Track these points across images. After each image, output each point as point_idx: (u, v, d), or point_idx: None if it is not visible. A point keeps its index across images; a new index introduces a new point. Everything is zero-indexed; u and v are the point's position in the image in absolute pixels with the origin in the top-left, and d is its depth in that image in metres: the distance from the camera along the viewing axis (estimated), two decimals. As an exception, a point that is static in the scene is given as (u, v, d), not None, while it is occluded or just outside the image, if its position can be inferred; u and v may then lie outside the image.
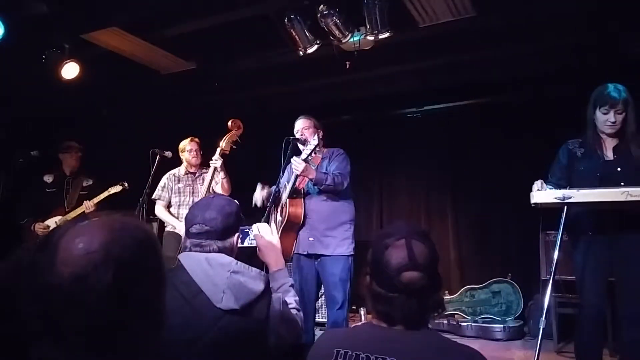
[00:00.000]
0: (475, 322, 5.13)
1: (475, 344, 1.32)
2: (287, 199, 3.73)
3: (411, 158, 6.28)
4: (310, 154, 3.57)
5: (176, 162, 4.75)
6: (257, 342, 1.73)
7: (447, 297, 5.40)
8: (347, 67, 4.61)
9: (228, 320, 1.67)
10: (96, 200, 4.62)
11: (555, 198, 2.86)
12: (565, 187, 2.94)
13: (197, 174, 4.75)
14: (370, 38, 4.17)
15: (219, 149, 4.29)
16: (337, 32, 4.16)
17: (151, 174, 4.34)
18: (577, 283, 3.10)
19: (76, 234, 0.85)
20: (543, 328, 2.79)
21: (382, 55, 4.71)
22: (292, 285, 2.06)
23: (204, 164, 4.67)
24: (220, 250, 1.83)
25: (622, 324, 3.00)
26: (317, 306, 4.41)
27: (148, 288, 0.86)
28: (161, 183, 4.70)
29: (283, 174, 3.84)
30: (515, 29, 4.46)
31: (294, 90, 6.00)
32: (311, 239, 3.72)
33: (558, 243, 2.91)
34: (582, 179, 2.97)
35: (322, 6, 3.99)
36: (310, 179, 3.65)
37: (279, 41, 4.52)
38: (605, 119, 2.97)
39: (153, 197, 4.66)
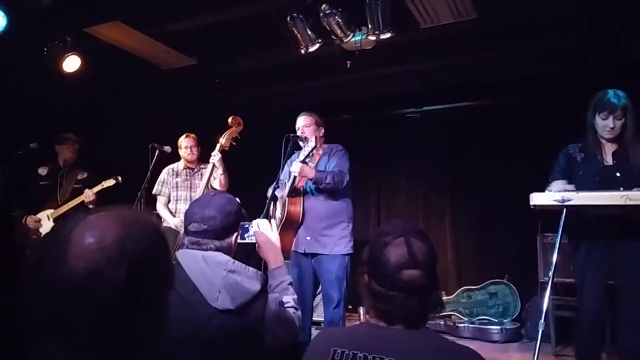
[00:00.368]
0: (472, 323, 5.13)
1: (471, 346, 1.31)
2: (287, 198, 3.74)
3: (410, 158, 6.28)
4: (307, 155, 3.57)
5: (175, 157, 4.76)
6: (252, 341, 1.73)
7: (444, 298, 5.39)
8: (348, 66, 4.61)
9: (223, 320, 1.66)
10: (96, 189, 4.52)
11: (555, 200, 2.86)
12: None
13: (195, 169, 4.75)
14: (372, 38, 4.16)
15: (218, 145, 4.29)
16: (339, 31, 4.15)
17: (150, 168, 4.34)
18: (577, 286, 3.11)
19: (87, 228, 0.83)
20: (542, 331, 2.79)
21: (383, 56, 4.71)
22: (290, 283, 2.06)
23: (203, 159, 4.66)
24: (217, 249, 1.82)
25: (621, 329, 3.01)
26: (314, 305, 4.41)
27: (158, 284, 0.86)
28: (160, 178, 4.70)
29: (282, 170, 3.84)
30: (516, 30, 4.45)
31: (295, 90, 5.99)
32: (309, 237, 3.72)
33: (557, 245, 2.91)
34: (582, 184, 2.96)
35: (324, 5, 3.99)
36: (310, 179, 3.65)
37: (280, 40, 4.51)
38: (604, 125, 2.99)
39: (153, 192, 4.66)
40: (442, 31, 4.39)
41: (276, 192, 3.81)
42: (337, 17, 4.02)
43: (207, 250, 1.81)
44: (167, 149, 4.52)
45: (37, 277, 0.80)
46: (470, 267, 5.83)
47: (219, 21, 4.41)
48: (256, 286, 1.75)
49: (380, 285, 1.39)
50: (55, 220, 4.55)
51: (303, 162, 3.58)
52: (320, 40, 4.35)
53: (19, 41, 4.16)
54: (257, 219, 2.13)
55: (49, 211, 4.60)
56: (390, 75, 5.52)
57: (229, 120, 4.35)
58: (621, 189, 2.80)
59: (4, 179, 4.46)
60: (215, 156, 4.28)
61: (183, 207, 4.52)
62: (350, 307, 5.43)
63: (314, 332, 4.30)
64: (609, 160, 3.05)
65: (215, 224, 1.82)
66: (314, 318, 4.20)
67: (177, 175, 4.73)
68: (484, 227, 5.83)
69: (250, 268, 1.79)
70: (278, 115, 5.43)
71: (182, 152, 4.71)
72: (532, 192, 2.97)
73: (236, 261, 1.79)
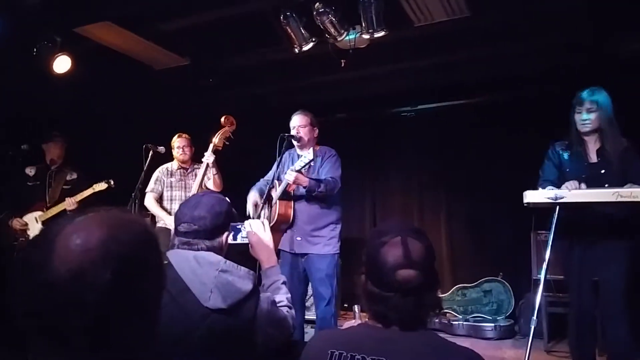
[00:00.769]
0: (467, 321, 5.14)
1: (466, 343, 1.30)
2: (278, 200, 3.77)
3: (405, 156, 6.27)
4: (303, 167, 3.59)
5: (169, 157, 4.74)
6: (244, 340, 1.72)
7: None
8: (342, 65, 4.61)
9: (215, 319, 1.66)
10: (79, 197, 4.45)
11: (548, 198, 2.90)
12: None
13: (189, 169, 4.75)
14: (366, 36, 4.16)
15: (211, 145, 4.28)
16: (332, 30, 4.15)
17: (144, 169, 4.32)
18: (566, 284, 3.18)
19: (73, 230, 0.83)
20: (534, 327, 2.82)
21: (378, 54, 4.70)
22: (284, 283, 2.06)
23: (197, 159, 4.65)
24: (208, 249, 1.82)
25: (604, 323, 3.11)
26: (309, 304, 4.43)
27: (147, 285, 0.85)
28: (154, 176, 4.68)
29: (277, 169, 3.84)
30: (510, 28, 4.47)
31: (289, 88, 5.98)
32: (299, 238, 3.76)
33: (550, 243, 2.94)
34: (568, 180, 3.01)
35: (318, 4, 3.99)
36: (304, 187, 3.66)
37: (274, 38, 4.51)
38: (579, 118, 3.11)
39: (147, 190, 4.63)
40: (435, 29, 4.41)
41: (270, 192, 3.82)
42: (330, 15, 4.01)
43: (198, 250, 1.80)
44: (161, 149, 4.51)
45: (24, 280, 0.80)
46: (464, 265, 5.84)
47: (212, 20, 4.40)
48: (248, 285, 1.75)
49: (376, 286, 1.37)
50: (44, 223, 4.46)
51: (298, 171, 3.59)
52: (314, 39, 4.34)
53: (7, 42, 4.12)
54: (250, 219, 2.13)
55: (37, 213, 4.52)
56: (384, 73, 5.52)
57: (222, 119, 4.35)
58: (606, 185, 2.87)
59: None
60: (210, 157, 4.27)
61: (177, 207, 4.50)
62: (345, 305, 5.48)
63: (308, 330, 4.32)
64: (593, 157, 3.12)
65: (205, 224, 1.82)
66: (306, 317, 4.23)
67: (171, 175, 4.72)
68: (479, 225, 5.84)
69: (242, 267, 1.79)
70: (272, 113, 5.43)
71: (174, 152, 4.70)
72: (525, 190, 3.00)
73: (228, 261, 1.78)
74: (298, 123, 3.88)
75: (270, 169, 3.95)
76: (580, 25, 4.33)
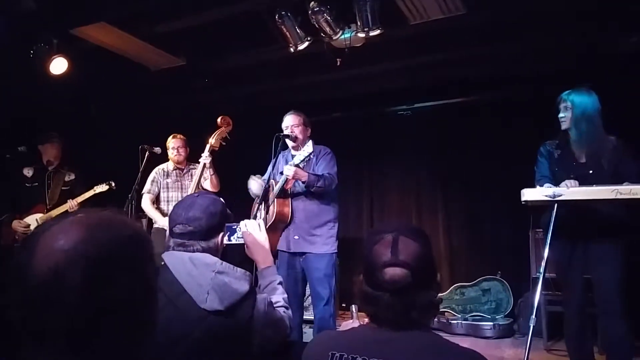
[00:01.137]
0: (465, 319, 5.13)
1: (465, 342, 1.27)
2: (275, 199, 3.76)
3: (402, 155, 6.27)
4: (303, 160, 3.60)
5: (165, 158, 4.73)
6: (241, 342, 1.71)
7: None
8: (338, 64, 4.60)
9: (212, 321, 1.65)
10: (80, 199, 4.48)
11: (546, 196, 2.90)
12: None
13: (184, 170, 4.73)
14: (361, 35, 4.15)
15: (208, 146, 4.27)
16: (327, 29, 4.14)
17: (140, 170, 4.31)
18: (560, 282, 3.26)
19: (56, 231, 0.83)
20: (533, 326, 2.81)
21: (373, 53, 4.70)
22: (280, 283, 2.04)
23: (193, 159, 4.64)
24: (204, 250, 1.80)
25: (603, 323, 3.09)
26: (307, 304, 4.42)
27: (125, 289, 0.83)
28: (150, 177, 4.66)
29: (273, 169, 3.83)
30: (505, 26, 4.46)
31: (284, 87, 5.97)
32: (297, 237, 3.76)
33: (548, 241, 2.94)
34: (558, 181, 3.04)
35: (312, 3, 3.98)
36: (302, 182, 3.67)
37: (269, 38, 4.50)
38: (559, 116, 3.16)
39: (143, 191, 4.61)
40: (431, 27, 4.40)
41: (265, 193, 3.80)
42: (325, 14, 4.00)
43: (193, 251, 1.79)
44: (157, 150, 4.51)
45: (9, 280, 0.80)
46: (463, 264, 5.84)
47: (208, 21, 4.39)
48: (245, 287, 1.74)
49: (369, 286, 1.36)
50: None
51: (297, 165, 3.61)
52: (309, 38, 4.34)
53: (4, 44, 4.11)
54: (245, 220, 2.11)
55: (38, 215, 4.52)
56: (380, 72, 5.51)
57: (218, 120, 4.34)
58: (594, 185, 2.88)
59: None
60: (207, 158, 4.26)
61: (174, 208, 4.49)
62: (343, 305, 5.46)
63: (306, 330, 4.31)
64: (582, 157, 3.13)
65: (200, 225, 1.80)
66: (305, 317, 4.22)
67: (167, 176, 4.70)
68: (477, 224, 5.84)
69: (239, 269, 1.78)
70: (268, 112, 5.41)
71: (169, 153, 4.68)
72: (523, 188, 2.99)
73: (224, 262, 1.77)
74: (291, 122, 3.89)
75: (266, 169, 3.94)
76: (577, 24, 4.33)
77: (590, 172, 3.05)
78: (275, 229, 3.77)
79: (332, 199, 3.85)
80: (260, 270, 2.05)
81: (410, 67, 5.38)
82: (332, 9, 4.01)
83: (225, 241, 1.92)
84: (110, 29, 4.44)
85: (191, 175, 4.63)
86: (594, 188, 2.84)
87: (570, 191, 2.85)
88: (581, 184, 2.93)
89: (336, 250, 3.80)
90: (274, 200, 3.77)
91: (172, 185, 4.66)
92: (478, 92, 5.64)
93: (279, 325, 1.85)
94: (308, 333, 4.30)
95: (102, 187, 4.52)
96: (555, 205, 2.89)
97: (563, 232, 3.00)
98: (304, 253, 3.76)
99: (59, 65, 4.53)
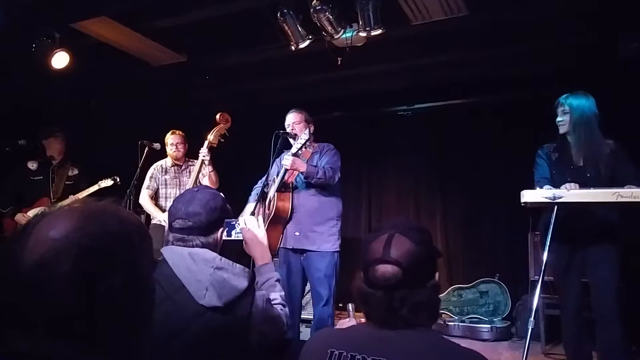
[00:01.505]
0: (463, 322, 5.12)
1: (462, 344, 1.25)
2: (275, 193, 3.73)
3: (401, 156, 6.26)
4: (300, 148, 3.58)
5: (164, 154, 4.72)
6: (239, 338, 1.70)
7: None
8: (339, 63, 4.59)
9: (210, 317, 1.64)
10: (85, 193, 4.50)
11: (546, 197, 2.88)
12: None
13: (183, 166, 4.71)
14: (363, 34, 4.14)
15: (206, 142, 4.26)
16: (329, 27, 4.13)
17: (139, 165, 4.30)
18: (557, 285, 3.27)
19: (50, 221, 0.82)
20: (531, 329, 2.79)
21: (374, 52, 4.68)
22: (278, 280, 2.03)
23: (191, 156, 4.63)
24: (203, 246, 1.79)
25: (598, 327, 3.08)
26: (304, 303, 4.40)
27: (116, 282, 0.81)
28: (149, 173, 4.65)
29: (272, 168, 3.82)
30: (508, 28, 4.45)
31: (285, 85, 5.97)
32: (297, 233, 3.72)
33: (547, 244, 2.92)
34: (555, 184, 3.04)
35: (315, 1, 3.97)
36: (301, 172, 3.64)
37: (271, 36, 4.49)
38: (556, 120, 3.17)
39: (143, 187, 4.60)
40: (433, 28, 4.39)
41: (265, 189, 3.79)
42: (327, 13, 4.00)
43: (193, 246, 1.78)
44: (157, 146, 4.50)
45: (2, 269, 0.79)
46: (460, 266, 5.83)
47: (209, 17, 4.37)
48: (243, 283, 1.73)
49: (364, 283, 1.37)
50: None
51: (295, 154, 3.57)
52: (310, 37, 4.33)
53: (6, 38, 4.10)
54: (244, 216, 2.10)
55: (42, 209, 4.50)
56: (381, 72, 5.50)
57: (217, 116, 4.33)
58: (592, 188, 2.88)
59: None
60: (206, 155, 4.25)
61: (173, 205, 4.48)
62: (340, 304, 5.45)
63: (304, 330, 4.29)
64: (579, 161, 3.13)
65: (200, 220, 1.79)
66: (303, 316, 4.20)
67: (165, 172, 4.69)
68: (475, 225, 5.83)
69: (237, 265, 1.77)
70: (268, 110, 5.40)
71: (168, 149, 4.66)
72: (522, 190, 2.98)
73: (223, 258, 1.76)
74: (292, 120, 3.89)
75: (265, 166, 3.93)
76: (579, 26, 4.32)
77: (588, 175, 3.05)
78: (276, 224, 3.71)
79: (334, 196, 3.81)
80: (258, 266, 2.04)
81: (410, 68, 5.37)
82: (334, 8, 4.00)
83: (225, 237, 1.91)
84: (112, 24, 4.42)
85: (189, 171, 4.61)
86: (595, 191, 2.83)
87: (571, 193, 2.84)
88: (579, 187, 2.92)
89: (338, 249, 3.74)
90: (274, 195, 3.73)
91: (170, 182, 4.65)
92: (479, 93, 5.63)
93: (276, 322, 1.84)
94: (305, 332, 4.28)
95: (106, 182, 4.55)
96: (555, 207, 2.88)
97: (561, 235, 2.99)
98: (305, 251, 3.72)
99: (60, 59, 4.52)
